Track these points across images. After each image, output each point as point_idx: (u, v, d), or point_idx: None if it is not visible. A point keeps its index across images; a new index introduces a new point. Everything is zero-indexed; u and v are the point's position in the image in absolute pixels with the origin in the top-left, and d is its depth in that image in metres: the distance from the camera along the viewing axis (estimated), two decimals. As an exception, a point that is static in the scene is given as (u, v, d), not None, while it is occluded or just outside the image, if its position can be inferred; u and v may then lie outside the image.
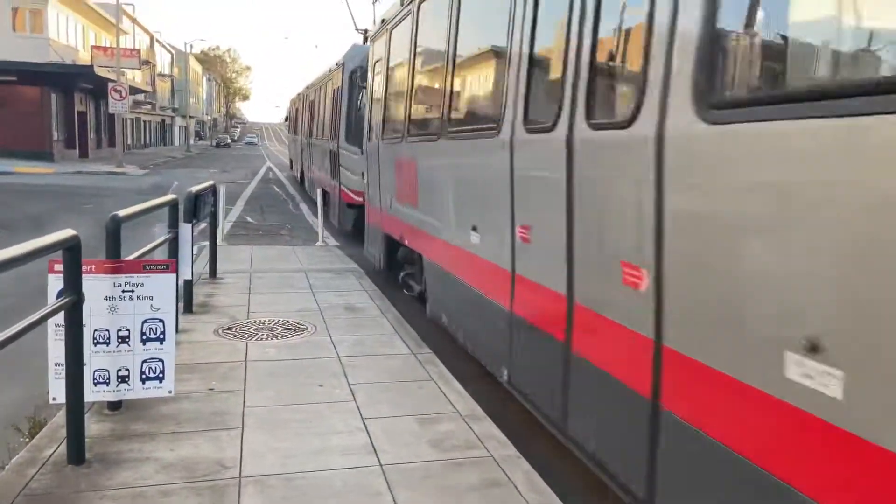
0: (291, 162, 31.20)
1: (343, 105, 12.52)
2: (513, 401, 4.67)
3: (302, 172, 23.20)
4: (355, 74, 12.06)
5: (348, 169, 12.19)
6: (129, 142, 50.25)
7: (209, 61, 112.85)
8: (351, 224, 12.39)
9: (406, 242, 7.36)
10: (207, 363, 5.31)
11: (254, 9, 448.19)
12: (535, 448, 4.18)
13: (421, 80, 7.01)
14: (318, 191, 14.03)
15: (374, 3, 15.21)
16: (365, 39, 14.66)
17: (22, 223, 13.91)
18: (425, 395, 4.78)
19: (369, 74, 9.83)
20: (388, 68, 8.36)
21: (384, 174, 8.25)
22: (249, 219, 16.32)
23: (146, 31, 61.07)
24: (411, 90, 7.10)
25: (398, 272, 8.23)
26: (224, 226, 12.45)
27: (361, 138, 10.49)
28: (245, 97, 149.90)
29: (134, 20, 54.77)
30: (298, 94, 25.21)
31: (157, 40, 66.20)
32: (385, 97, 8.39)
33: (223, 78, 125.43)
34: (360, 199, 10.94)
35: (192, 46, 78.78)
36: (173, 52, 74.42)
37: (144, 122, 61.44)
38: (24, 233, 12.08)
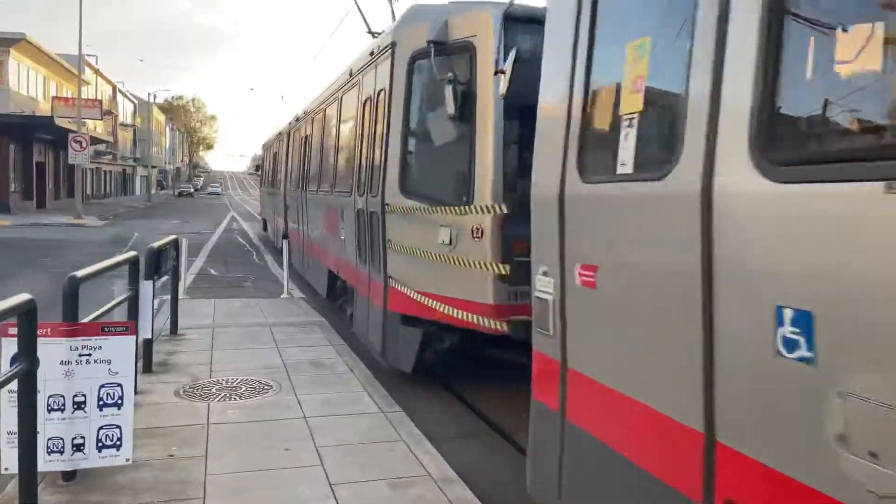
0: (265, 223, 23.93)
1: (395, 123, 6.46)
2: (485, 462, 4.58)
3: (286, 238, 14.78)
4: (423, 61, 6.11)
5: (406, 247, 6.27)
6: (89, 192, 49.49)
7: (173, 111, 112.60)
8: (414, 360, 6.40)
9: None
10: (167, 427, 5.11)
11: (219, 59, 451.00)
12: (509, 511, 4.07)
13: None
14: (284, 242, 13.68)
15: (391, 2, 10.22)
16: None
17: (-26, 278, 13.47)
18: (396, 456, 4.65)
19: None
20: None
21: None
22: (213, 270, 16.04)
23: (109, 81, 60.81)
24: None
25: None
26: (186, 278, 12.21)
27: (442, 184, 6.15)
28: (209, 146, 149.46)
29: (97, 71, 54.55)
30: (279, 134, 18.62)
31: (120, 90, 65.92)
32: None
33: (187, 127, 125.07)
34: (438, 311, 5.81)
35: (155, 96, 78.68)
36: (136, 101, 74.10)
37: (105, 171, 60.67)
38: (-23, 288, 11.69)
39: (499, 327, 5.18)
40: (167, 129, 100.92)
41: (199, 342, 7.96)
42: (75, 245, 20.48)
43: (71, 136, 32.44)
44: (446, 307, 5.66)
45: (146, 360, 6.51)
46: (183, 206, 54.25)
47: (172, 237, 8.16)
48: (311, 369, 6.90)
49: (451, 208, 5.62)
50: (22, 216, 31.94)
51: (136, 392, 5.24)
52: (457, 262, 5.49)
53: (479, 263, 5.30)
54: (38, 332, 3.54)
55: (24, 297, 3.35)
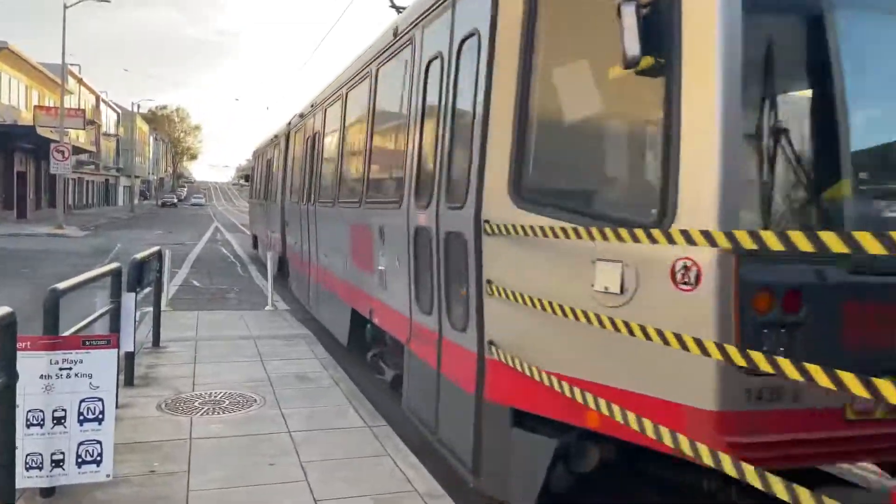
0: (255, 240, 21.12)
1: (501, 87, 3.98)
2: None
3: (283, 260, 13.75)
4: None
5: (524, 294, 3.68)
6: (71, 202, 49.01)
7: (157, 120, 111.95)
8: (538, 489, 3.71)
9: None
10: (149, 442, 5.02)
11: (205, 70, 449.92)
12: (496, 527, 4.02)
13: None
14: (269, 254, 13.52)
15: None
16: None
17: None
18: (382, 471, 4.59)
19: None
20: None
21: None
22: (196, 282, 15.89)
23: (92, 91, 60.41)
24: None
25: None
26: (169, 290, 12.08)
27: (604, 185, 3.83)
28: (193, 156, 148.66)
29: (80, 80, 54.17)
30: (274, 137, 15.89)
31: (104, 100, 65.52)
32: None
33: (171, 137, 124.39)
34: (592, 413, 3.28)
35: (139, 106, 78.14)
36: (119, 111, 73.63)
37: (87, 181, 60.16)
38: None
39: (732, 468, 2.55)
40: (151, 139, 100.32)
41: (182, 355, 7.86)
42: (56, 256, 20.24)
43: (53, 145, 32.12)
44: (610, 408, 3.13)
45: (128, 373, 6.41)
46: (166, 217, 53.86)
47: (155, 248, 8.07)
48: (296, 383, 6.83)
49: (627, 230, 3.02)
50: (2, 226, 31.54)
51: (117, 406, 5.15)
52: (635, 330, 2.97)
53: (693, 338, 2.72)
54: (17, 346, 3.48)
55: (4, 309, 3.29)
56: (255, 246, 20.47)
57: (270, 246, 14.99)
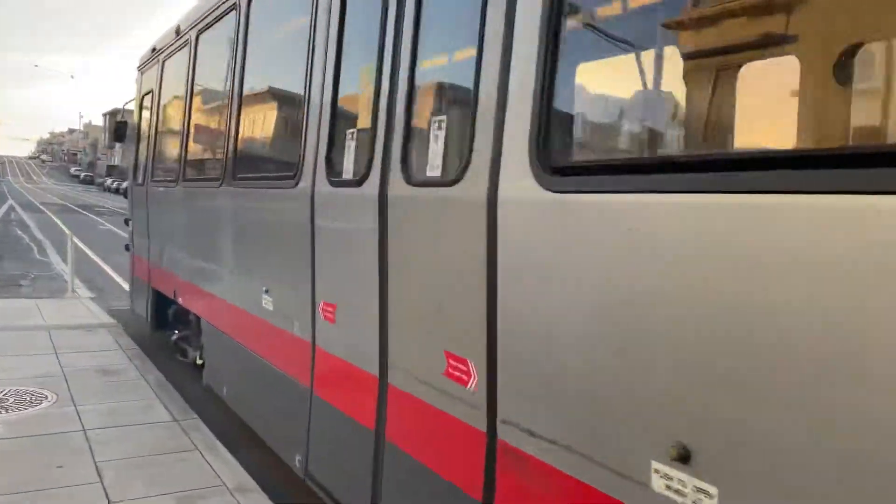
0: (154, 301, 7.44)
1: None
2: (285, 468, 4.42)
3: None
4: None
5: None
6: None
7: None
8: None
9: None
10: None
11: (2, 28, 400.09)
12: (309, 518, 3.94)
13: None
14: (70, 235, 12.33)
15: None
16: None
17: None
18: (188, 467, 4.33)
19: None
20: None
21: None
22: (-18, 267, 14.18)
23: None
24: None
25: None
26: (-54, 276, 10.65)
27: None
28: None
29: None
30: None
31: None
32: None
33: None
34: None
35: (-86, 66, 67.93)
36: None
37: None
38: None
39: None
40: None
41: (-41, 349, 6.95)
42: None
43: None
44: None
45: None
46: (-52, 194, 47.53)
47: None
48: (96, 377, 6.28)
49: None
50: None
51: None
52: None
53: None
54: None
55: None
56: (154, 312, 7.63)
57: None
